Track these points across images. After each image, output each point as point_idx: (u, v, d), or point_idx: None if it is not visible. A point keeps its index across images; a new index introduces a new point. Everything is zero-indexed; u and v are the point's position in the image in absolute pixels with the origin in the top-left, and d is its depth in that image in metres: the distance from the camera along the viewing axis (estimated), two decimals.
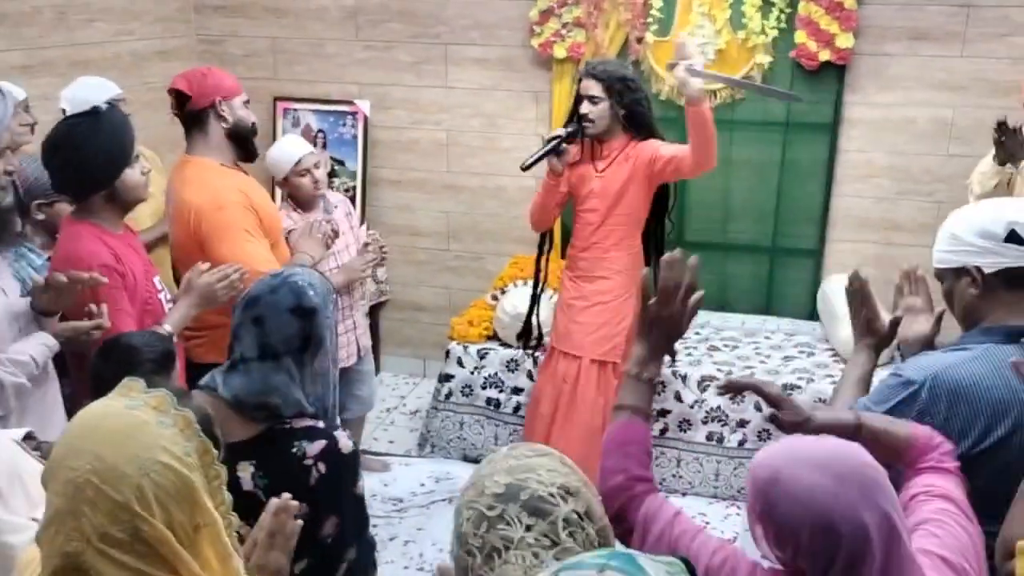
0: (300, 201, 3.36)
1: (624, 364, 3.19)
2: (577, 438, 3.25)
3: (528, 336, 3.65)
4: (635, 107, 3.16)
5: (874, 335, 1.91)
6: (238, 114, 2.73)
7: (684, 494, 3.71)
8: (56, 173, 2.35)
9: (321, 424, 1.63)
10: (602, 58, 3.67)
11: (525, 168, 3.18)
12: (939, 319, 1.94)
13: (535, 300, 3.58)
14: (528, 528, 1.08)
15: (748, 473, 1.32)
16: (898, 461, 1.52)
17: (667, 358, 3.35)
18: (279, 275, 1.70)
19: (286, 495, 1.37)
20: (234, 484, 1.57)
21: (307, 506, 1.55)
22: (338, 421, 1.76)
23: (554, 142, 3.13)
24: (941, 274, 1.80)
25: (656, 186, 3.27)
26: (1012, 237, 1.65)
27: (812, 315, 4.23)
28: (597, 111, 3.12)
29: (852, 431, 1.51)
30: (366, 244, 3.49)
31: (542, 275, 3.50)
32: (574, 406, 3.31)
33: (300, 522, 1.38)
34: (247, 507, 1.54)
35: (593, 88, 3.12)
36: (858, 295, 1.96)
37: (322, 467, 1.59)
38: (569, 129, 3.15)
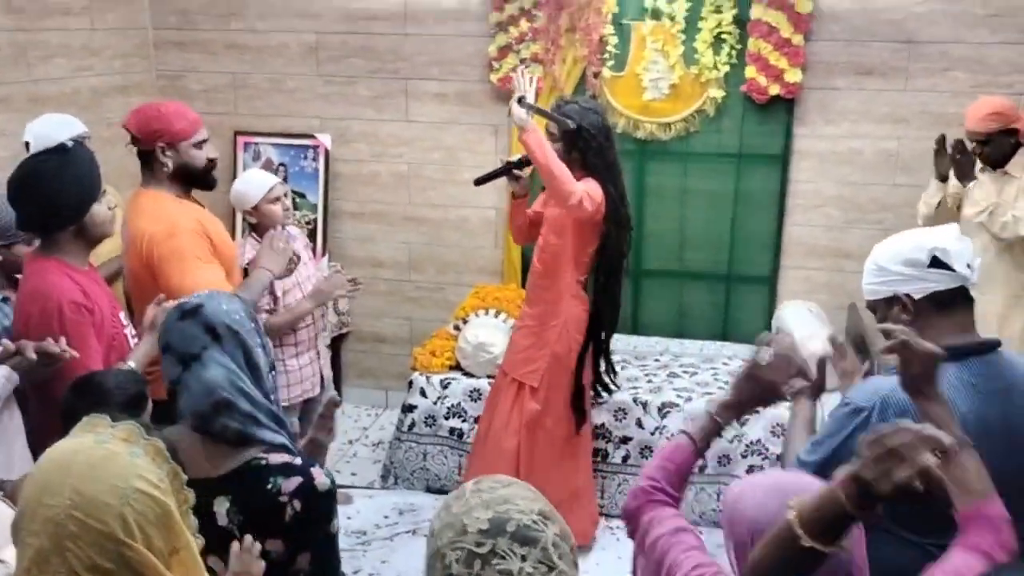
0: (264, 232, 3.38)
1: (539, 392, 3.34)
2: (490, 453, 3.46)
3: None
4: (588, 154, 3.20)
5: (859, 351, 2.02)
6: (184, 157, 2.73)
7: None
8: (23, 210, 2.34)
9: (298, 461, 1.62)
10: (575, 97, 3.71)
11: (477, 183, 3.37)
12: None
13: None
14: (524, 558, 1.09)
15: (725, 492, 1.42)
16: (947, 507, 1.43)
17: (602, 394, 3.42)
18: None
19: (248, 538, 1.38)
20: (210, 519, 1.57)
21: (281, 543, 1.55)
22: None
23: (509, 164, 3.33)
24: (873, 305, 1.88)
25: (599, 227, 3.29)
26: (935, 262, 1.75)
27: None
28: (555, 149, 3.19)
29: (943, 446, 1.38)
30: (336, 271, 3.54)
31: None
32: (494, 422, 3.50)
33: (263, 564, 1.40)
34: (222, 542, 1.55)
35: (550, 125, 3.20)
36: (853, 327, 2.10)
37: (297, 504, 1.57)
38: (521, 157, 3.27)
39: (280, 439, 1.67)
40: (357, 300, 4.79)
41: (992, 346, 1.78)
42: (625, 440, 3.74)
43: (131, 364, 2.33)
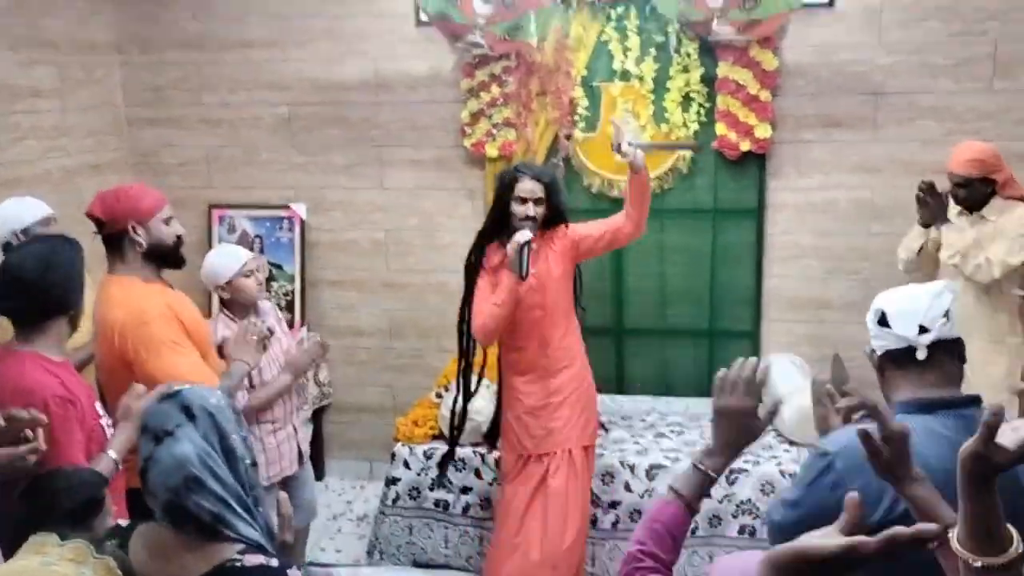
0: (238, 307, 3.33)
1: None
2: (580, 530, 3.28)
3: (453, 448, 3.67)
4: (562, 205, 3.25)
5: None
6: (155, 234, 2.70)
7: None
8: (11, 300, 2.31)
9: (275, 563, 1.56)
10: (526, 161, 3.74)
11: (525, 277, 3.07)
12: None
13: (467, 399, 3.55)
14: None
15: None
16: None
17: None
18: None
19: None
20: None
21: None
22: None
23: (527, 245, 3.04)
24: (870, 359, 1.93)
25: (575, 268, 3.35)
26: (882, 321, 1.80)
27: None
28: (540, 212, 3.18)
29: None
30: (302, 340, 3.47)
31: (476, 366, 3.50)
32: (571, 500, 3.26)
33: None
34: None
35: (538, 191, 3.17)
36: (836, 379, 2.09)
37: None
38: (530, 233, 3.09)
39: (255, 535, 1.61)
40: (338, 370, 4.74)
41: (963, 401, 1.78)
42: (614, 504, 3.66)
43: (111, 454, 2.28)
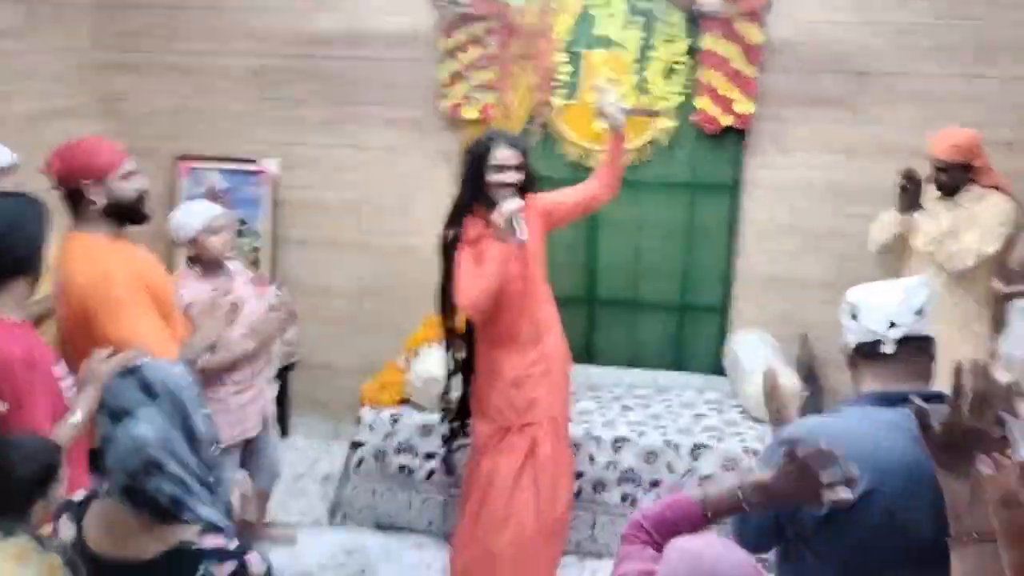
0: (205, 264, 3.27)
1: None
2: (569, 498, 3.33)
3: (460, 414, 3.52)
4: (534, 173, 3.21)
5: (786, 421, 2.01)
6: (114, 191, 2.60)
7: (600, 556, 3.70)
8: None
9: (233, 544, 1.54)
10: (498, 128, 3.64)
11: (525, 241, 2.96)
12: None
13: (454, 373, 3.45)
14: None
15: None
16: None
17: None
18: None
19: None
20: None
21: None
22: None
23: (517, 212, 2.94)
24: None
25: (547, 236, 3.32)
26: (853, 314, 1.82)
27: (721, 370, 4.31)
28: (519, 179, 3.11)
29: None
30: (272, 306, 3.41)
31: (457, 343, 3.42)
32: (559, 467, 3.27)
33: None
34: None
35: (513, 158, 3.09)
36: (769, 391, 2.09)
37: None
38: (519, 200, 2.99)
39: (214, 516, 1.58)
40: (307, 329, 4.68)
41: (927, 397, 1.76)
42: (578, 475, 3.67)
43: (74, 418, 2.22)
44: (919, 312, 1.77)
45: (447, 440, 3.58)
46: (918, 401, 1.46)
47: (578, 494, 3.68)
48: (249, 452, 3.45)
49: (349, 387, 4.65)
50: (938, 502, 1.67)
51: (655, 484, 3.64)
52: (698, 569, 1.21)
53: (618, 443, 3.67)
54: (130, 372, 1.58)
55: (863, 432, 1.73)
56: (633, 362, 4.42)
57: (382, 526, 3.90)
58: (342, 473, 3.95)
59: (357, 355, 4.73)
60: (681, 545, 1.28)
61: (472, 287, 3.04)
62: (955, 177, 3.53)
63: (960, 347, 3.60)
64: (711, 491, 1.57)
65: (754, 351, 4.01)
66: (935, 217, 3.54)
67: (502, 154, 3.08)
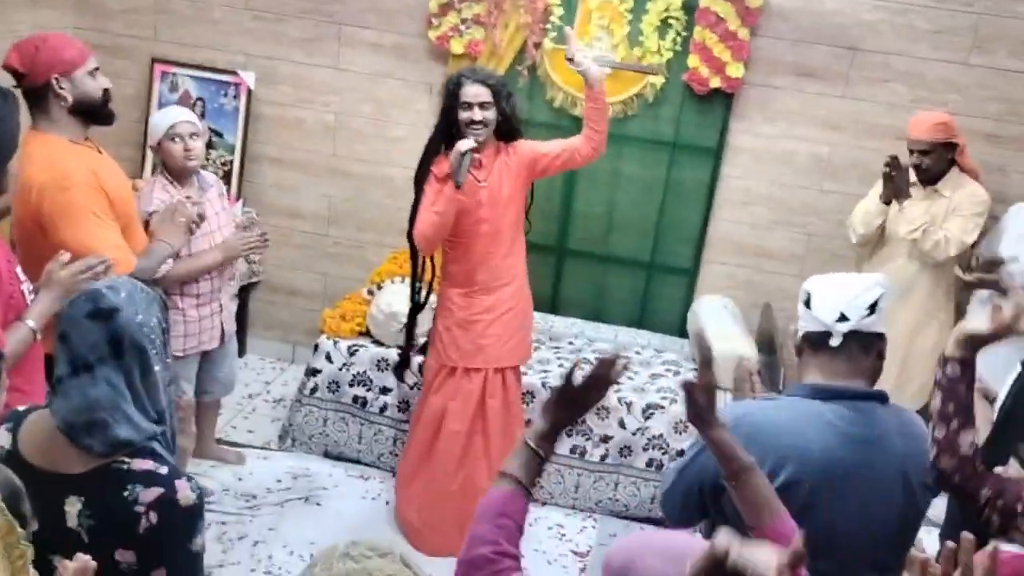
0: (173, 172, 3.20)
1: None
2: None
3: (407, 357, 3.62)
4: (514, 112, 3.16)
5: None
6: (80, 88, 2.52)
7: (544, 503, 3.75)
8: None
9: (164, 470, 1.51)
10: (474, 66, 3.56)
11: (460, 185, 2.96)
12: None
13: (416, 310, 3.48)
14: None
15: (604, 558, 1.33)
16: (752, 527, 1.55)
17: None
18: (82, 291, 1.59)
19: (84, 557, 1.28)
20: (59, 518, 1.49)
21: (133, 554, 1.46)
22: (176, 430, 1.65)
23: (468, 154, 2.94)
24: None
25: (530, 185, 3.29)
26: (807, 302, 1.81)
27: (683, 332, 4.33)
28: (489, 117, 3.07)
29: (738, 468, 1.54)
30: (246, 226, 3.38)
31: (425, 280, 3.42)
32: (510, 418, 3.29)
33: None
34: (70, 544, 1.46)
35: (483, 95, 3.06)
36: (738, 387, 2.11)
37: (153, 517, 1.48)
38: (475, 139, 3.00)
39: (153, 446, 1.56)
40: (272, 250, 4.59)
41: (863, 394, 1.79)
42: (529, 423, 3.69)
43: (30, 323, 2.16)
44: (871, 308, 1.75)
45: (396, 369, 3.68)
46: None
47: None
48: (207, 362, 3.44)
49: (309, 313, 4.63)
50: (864, 499, 1.70)
51: (605, 439, 3.68)
52: (681, 558, 1.22)
53: None
54: (102, 317, 1.51)
55: (792, 424, 1.74)
56: (597, 316, 4.42)
57: (331, 455, 3.92)
58: (295, 399, 3.93)
59: (321, 282, 4.69)
60: (643, 547, 1.28)
61: (423, 221, 3.09)
62: (938, 161, 3.52)
63: (925, 332, 3.68)
64: (510, 469, 1.51)
65: (717, 316, 4.03)
66: (917, 205, 3.54)
67: (471, 91, 3.05)
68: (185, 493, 1.51)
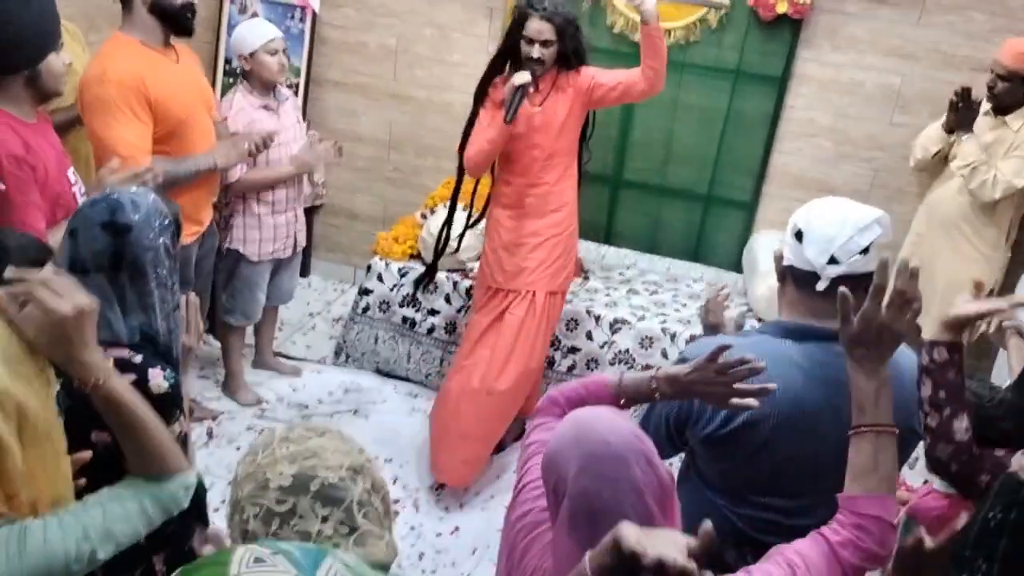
0: (261, 83, 3.33)
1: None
2: (523, 373, 3.30)
3: (432, 272, 3.72)
4: (579, 47, 3.12)
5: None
6: None
7: None
8: None
9: (139, 358, 1.57)
10: None
11: (510, 121, 3.00)
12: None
13: (449, 225, 3.56)
14: (324, 519, 1.05)
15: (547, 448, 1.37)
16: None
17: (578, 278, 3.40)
18: (107, 192, 1.63)
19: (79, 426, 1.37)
20: None
21: (108, 436, 1.50)
22: (178, 350, 1.72)
23: (523, 89, 2.98)
24: None
25: (587, 113, 3.25)
26: (798, 236, 1.69)
27: (738, 267, 4.26)
28: (548, 54, 3.06)
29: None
30: (321, 139, 3.53)
31: (468, 201, 3.48)
32: (526, 334, 3.29)
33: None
34: None
35: (547, 32, 3.03)
36: (711, 306, 2.09)
37: None
38: (529, 76, 3.00)
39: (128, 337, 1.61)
40: (333, 173, 4.71)
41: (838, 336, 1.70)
42: (574, 350, 3.73)
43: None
44: (865, 251, 1.63)
45: (417, 281, 3.80)
46: (844, 290, 1.42)
47: (571, 368, 3.75)
48: (273, 273, 3.61)
49: (369, 236, 4.72)
50: (825, 439, 1.64)
51: (648, 368, 3.68)
52: (584, 435, 1.22)
53: (616, 324, 3.70)
54: (114, 231, 1.57)
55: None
56: (652, 248, 4.39)
57: (382, 372, 4.04)
58: (349, 316, 4.06)
59: (380, 205, 4.77)
60: (575, 414, 1.30)
61: (473, 145, 3.13)
62: (1013, 92, 3.35)
63: (973, 269, 3.54)
64: (628, 376, 1.57)
65: (772, 253, 3.95)
66: (979, 136, 3.39)
67: (535, 27, 3.05)
68: (157, 381, 1.55)
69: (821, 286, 1.64)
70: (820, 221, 1.66)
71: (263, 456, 1.11)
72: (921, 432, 1.70)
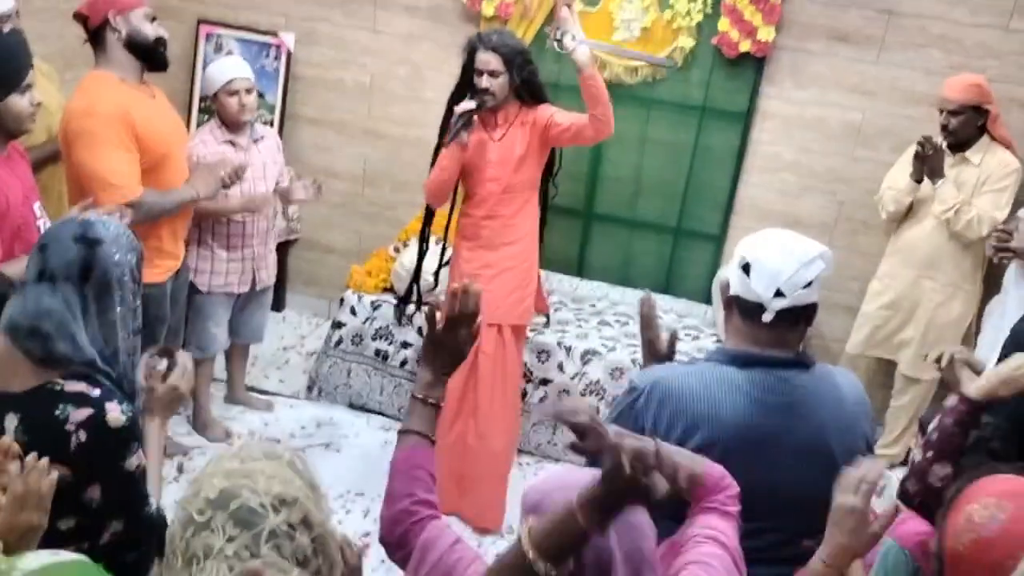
0: (226, 123, 3.37)
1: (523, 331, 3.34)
2: (510, 404, 3.36)
3: (406, 302, 3.77)
4: (531, 78, 3.19)
5: (656, 356, 1.99)
6: (134, 25, 2.77)
7: (558, 460, 3.82)
8: None
9: (96, 392, 1.58)
10: (493, 29, 3.57)
11: (447, 145, 3.10)
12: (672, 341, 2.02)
13: (420, 264, 3.63)
14: (230, 539, 1.07)
15: (523, 493, 1.38)
16: (687, 494, 1.54)
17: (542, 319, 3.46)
18: (76, 216, 1.68)
19: (37, 457, 1.37)
20: None
21: (68, 470, 1.53)
22: (137, 380, 1.74)
23: (466, 116, 3.07)
24: None
25: (549, 150, 3.32)
26: (745, 268, 1.72)
27: (708, 298, 4.32)
28: (497, 84, 3.12)
29: (650, 456, 1.48)
30: (299, 176, 3.58)
31: (436, 236, 3.53)
32: (504, 377, 3.33)
33: (53, 478, 1.40)
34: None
35: (494, 63, 3.10)
36: (644, 319, 2.02)
37: (83, 435, 1.55)
38: (475, 103, 3.09)
39: (91, 367, 1.62)
40: (309, 208, 4.74)
41: (782, 361, 1.74)
42: (545, 382, 3.76)
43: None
44: (808, 285, 1.68)
45: (395, 309, 3.85)
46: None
47: (543, 399, 3.78)
48: (239, 309, 3.62)
49: (344, 270, 4.73)
50: (777, 466, 1.69)
51: (544, 383, 3.77)
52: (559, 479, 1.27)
53: (587, 355, 3.74)
54: (85, 243, 1.60)
55: (704, 390, 1.71)
56: (622, 280, 4.44)
57: (354, 406, 4.05)
58: (321, 350, 4.07)
59: (356, 239, 4.81)
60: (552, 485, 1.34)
61: (431, 175, 3.23)
62: (967, 124, 3.44)
63: (950, 304, 3.62)
64: (413, 425, 1.54)
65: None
66: (950, 185, 3.47)
67: (482, 58, 3.12)
68: (115, 415, 1.57)
69: (767, 317, 1.69)
70: (767, 255, 1.70)
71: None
72: (871, 444, 1.77)
